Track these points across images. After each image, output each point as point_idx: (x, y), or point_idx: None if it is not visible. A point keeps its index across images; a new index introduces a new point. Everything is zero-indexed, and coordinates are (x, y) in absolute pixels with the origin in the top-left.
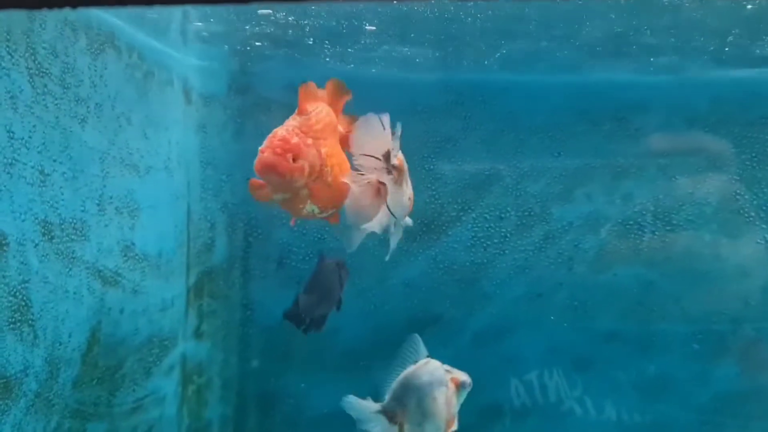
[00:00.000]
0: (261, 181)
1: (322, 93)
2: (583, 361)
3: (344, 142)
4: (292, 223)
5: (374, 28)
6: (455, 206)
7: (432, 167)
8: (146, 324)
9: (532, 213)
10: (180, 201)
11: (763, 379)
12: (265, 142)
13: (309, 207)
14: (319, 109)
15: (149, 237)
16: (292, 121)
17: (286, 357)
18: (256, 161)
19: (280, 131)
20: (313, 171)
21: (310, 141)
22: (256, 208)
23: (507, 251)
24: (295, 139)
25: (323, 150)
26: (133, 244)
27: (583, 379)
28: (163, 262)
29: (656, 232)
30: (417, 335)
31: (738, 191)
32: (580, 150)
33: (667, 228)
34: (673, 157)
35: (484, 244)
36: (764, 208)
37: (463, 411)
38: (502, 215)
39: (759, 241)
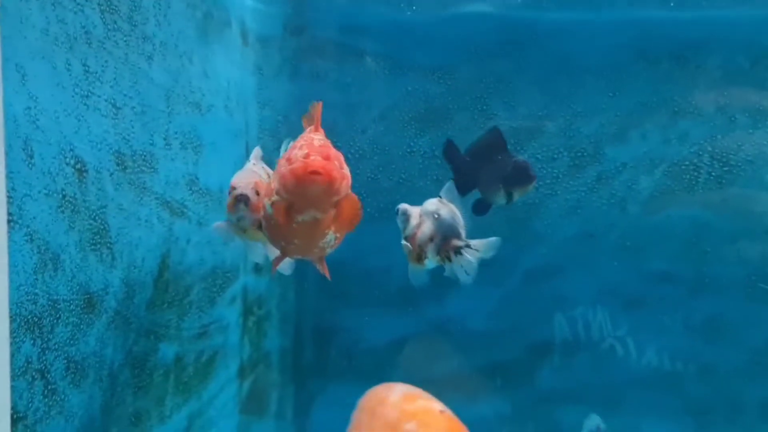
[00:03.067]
0: (282, 203)
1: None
2: (635, 301)
3: None
4: (274, 271)
5: None
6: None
7: (485, 107)
8: (210, 255)
9: (585, 153)
10: (239, 140)
11: None
12: (300, 150)
13: (330, 235)
14: None
15: (211, 173)
16: (317, 135)
17: (341, 293)
18: (295, 168)
19: (316, 139)
20: (347, 187)
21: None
22: None
23: (559, 192)
24: (333, 149)
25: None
26: (197, 178)
27: (633, 319)
28: (224, 198)
29: (713, 173)
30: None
31: None
32: (635, 90)
33: (725, 169)
34: (733, 96)
35: (537, 185)
36: None
37: (513, 348)
38: (555, 156)
39: None
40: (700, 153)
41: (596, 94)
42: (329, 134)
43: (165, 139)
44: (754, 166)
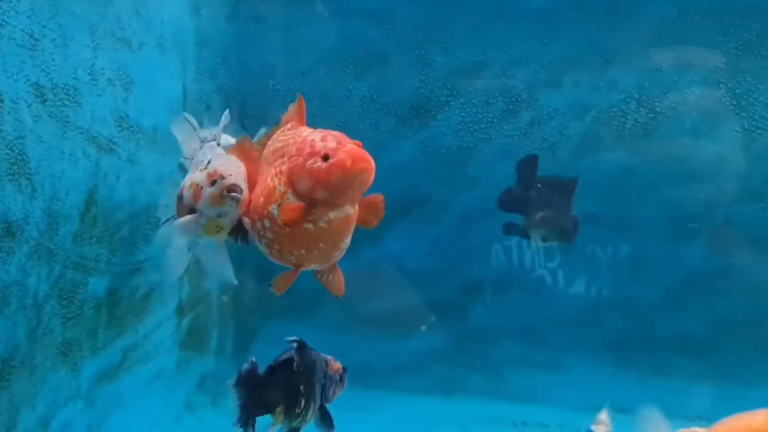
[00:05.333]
0: (300, 204)
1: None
2: None
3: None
4: (283, 290)
5: None
6: (444, 91)
7: (423, 53)
8: (144, 193)
9: (519, 99)
10: (175, 80)
11: (728, 259)
12: (325, 141)
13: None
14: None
15: (143, 111)
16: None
17: None
18: (341, 159)
19: (333, 132)
20: None
21: None
22: (251, 91)
23: (493, 136)
24: None
25: None
26: (127, 115)
27: (561, 256)
28: (158, 137)
29: (639, 120)
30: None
31: (721, 80)
32: (569, 37)
33: (650, 115)
34: (660, 46)
35: (472, 129)
36: (745, 97)
37: (447, 286)
38: (490, 101)
39: (737, 129)
40: (628, 100)
41: (532, 41)
42: (270, 77)
43: (90, 74)
44: (677, 113)
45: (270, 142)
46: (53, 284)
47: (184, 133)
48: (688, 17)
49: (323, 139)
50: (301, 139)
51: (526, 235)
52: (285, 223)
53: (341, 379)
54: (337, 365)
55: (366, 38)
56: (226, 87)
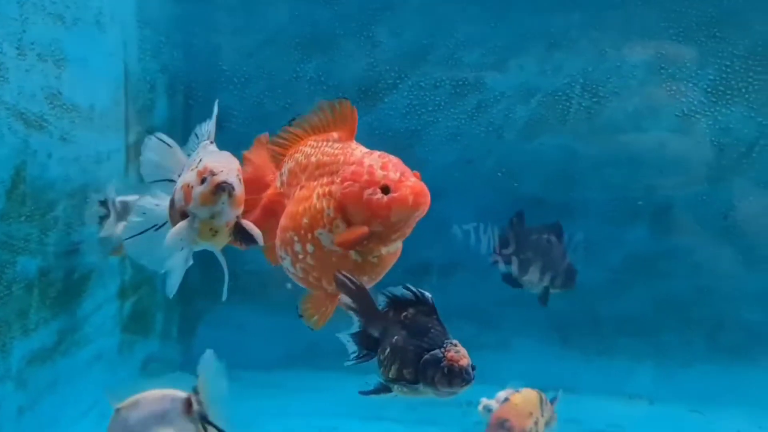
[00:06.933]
0: (359, 231)
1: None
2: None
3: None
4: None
5: None
6: (392, 74)
7: (370, 35)
8: (79, 173)
9: (466, 82)
10: (115, 59)
11: (670, 241)
12: (385, 170)
13: None
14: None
15: (78, 89)
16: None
17: None
18: (404, 195)
19: (392, 159)
20: None
21: None
22: (197, 72)
23: (440, 119)
24: None
25: None
26: (59, 92)
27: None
28: (96, 116)
29: (583, 104)
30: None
31: (662, 65)
32: (516, 21)
33: (594, 99)
34: (604, 30)
35: (419, 112)
36: (685, 81)
37: (393, 269)
38: (438, 84)
39: (677, 114)
40: (572, 84)
41: (479, 24)
42: (214, 59)
43: (18, 48)
44: (619, 97)
45: (309, 150)
46: None
47: (160, 154)
48: (630, 3)
49: (383, 167)
50: (356, 160)
51: (519, 285)
52: (339, 245)
53: (447, 373)
54: (453, 356)
55: (313, 19)
56: (170, 67)
